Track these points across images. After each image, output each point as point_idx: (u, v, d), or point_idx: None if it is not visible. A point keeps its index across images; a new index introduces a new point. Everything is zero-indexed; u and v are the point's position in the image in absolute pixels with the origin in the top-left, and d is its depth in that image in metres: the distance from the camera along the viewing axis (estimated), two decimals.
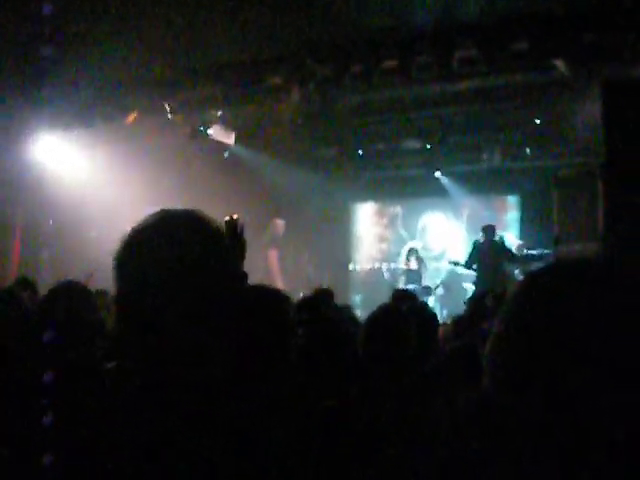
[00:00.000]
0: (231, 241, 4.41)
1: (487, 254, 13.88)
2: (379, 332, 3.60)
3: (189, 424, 1.65)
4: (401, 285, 15.98)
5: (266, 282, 13.15)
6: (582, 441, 1.16)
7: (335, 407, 3.18)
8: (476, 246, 14.34)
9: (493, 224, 14.74)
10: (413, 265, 16.13)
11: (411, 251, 16.54)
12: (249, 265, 4.34)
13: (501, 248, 14.19)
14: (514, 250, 15.55)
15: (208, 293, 1.68)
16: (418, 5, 10.41)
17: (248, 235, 4.47)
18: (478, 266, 14.09)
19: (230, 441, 1.70)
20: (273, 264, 15.81)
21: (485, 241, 14.17)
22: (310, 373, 3.71)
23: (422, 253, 17.01)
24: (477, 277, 14.13)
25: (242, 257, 4.37)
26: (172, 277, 1.65)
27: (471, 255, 14.41)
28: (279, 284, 14.96)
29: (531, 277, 1.35)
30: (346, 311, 7.73)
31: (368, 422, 3.07)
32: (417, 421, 3.08)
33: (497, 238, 14.59)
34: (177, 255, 1.67)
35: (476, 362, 5.08)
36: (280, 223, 16.32)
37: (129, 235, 1.74)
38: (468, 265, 14.46)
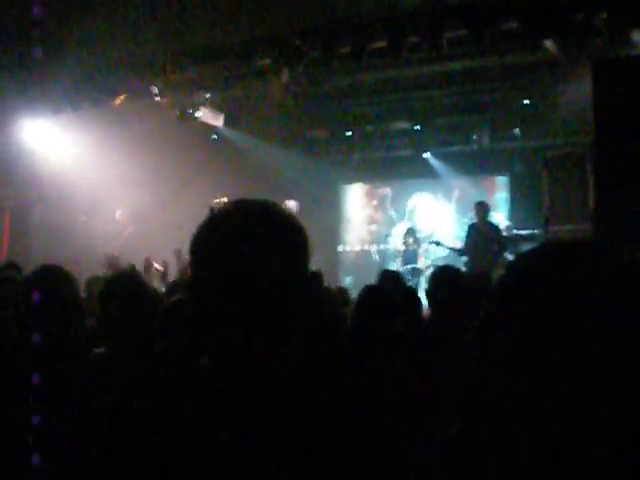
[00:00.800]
0: None
1: (481, 235, 13.74)
2: (366, 311, 3.59)
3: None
4: (395, 266, 15.98)
5: None
6: (579, 429, 1.15)
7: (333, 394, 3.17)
8: (472, 229, 14.15)
9: (485, 201, 14.55)
10: (410, 245, 16.09)
11: (409, 231, 16.47)
12: None
13: (495, 228, 14.04)
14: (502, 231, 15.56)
15: (281, 283, 1.67)
16: None
17: None
18: (471, 249, 13.89)
19: (233, 435, 1.70)
20: None
21: (479, 221, 13.99)
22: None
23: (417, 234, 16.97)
24: (469, 260, 13.99)
25: None
26: (249, 269, 1.64)
27: (467, 239, 14.21)
28: None
29: (520, 258, 1.35)
30: (340, 293, 7.74)
31: (367, 406, 3.06)
32: (413, 399, 3.08)
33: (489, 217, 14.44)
34: (255, 246, 1.66)
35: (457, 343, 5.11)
36: (292, 204, 16.21)
37: (207, 222, 1.74)
38: (463, 252, 14.26)
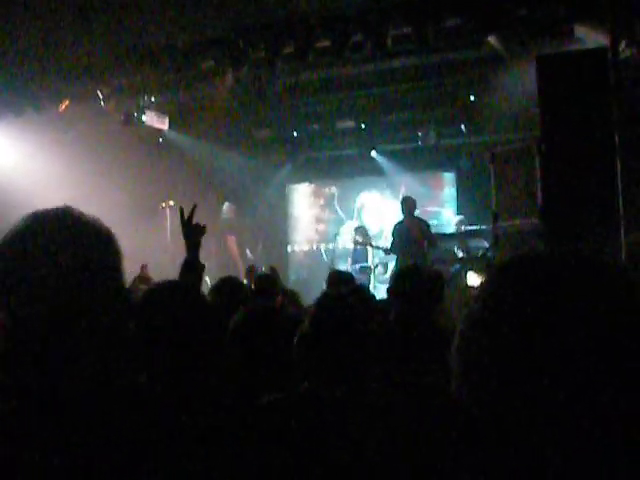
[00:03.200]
0: (183, 230, 4.39)
1: (409, 232, 13.76)
2: (325, 321, 3.52)
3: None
4: (346, 265, 15.99)
5: (226, 269, 13.00)
6: (582, 449, 1.12)
7: (278, 401, 3.13)
8: (398, 226, 14.17)
9: (410, 196, 14.64)
10: (360, 243, 16.10)
11: (358, 230, 16.48)
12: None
13: (424, 224, 14.05)
14: (453, 226, 15.59)
15: (80, 295, 1.65)
16: None
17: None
18: (399, 246, 13.87)
19: (160, 444, 1.67)
20: (232, 250, 15.68)
21: (407, 217, 14.00)
22: (250, 363, 3.65)
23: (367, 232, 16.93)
24: (397, 258, 13.95)
25: (196, 244, 4.34)
26: (42, 281, 1.61)
27: (394, 238, 14.22)
28: (240, 269, 14.87)
29: (499, 271, 1.31)
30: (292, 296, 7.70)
31: (315, 414, 3.02)
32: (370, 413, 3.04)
33: (417, 213, 14.46)
34: (47, 258, 1.63)
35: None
36: (230, 206, 16.16)
37: (3, 238, 1.69)
38: (393, 250, 14.26)
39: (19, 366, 1.63)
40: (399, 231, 13.96)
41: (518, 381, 1.15)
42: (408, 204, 14.05)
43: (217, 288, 5.51)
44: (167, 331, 2.72)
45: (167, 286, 3.05)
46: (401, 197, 15.23)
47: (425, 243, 13.51)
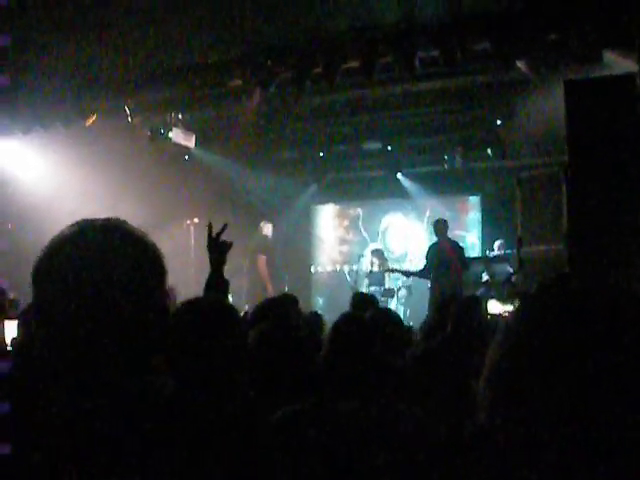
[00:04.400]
0: (208, 245, 4.38)
1: (443, 253, 13.68)
2: (342, 342, 3.52)
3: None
4: (363, 287, 15.93)
5: (257, 288, 12.97)
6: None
7: (294, 415, 3.13)
8: (433, 248, 14.10)
9: (443, 218, 14.56)
10: (376, 267, 16.07)
11: (374, 252, 16.48)
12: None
13: (457, 246, 14.00)
14: (495, 249, 15.52)
15: (124, 306, 1.64)
16: (380, 6, 10.38)
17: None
18: (434, 268, 13.80)
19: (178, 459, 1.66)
20: (262, 269, 15.63)
21: (442, 238, 13.93)
22: (268, 383, 3.65)
23: (384, 255, 16.89)
24: (432, 280, 13.88)
25: (221, 261, 4.32)
26: (89, 289, 1.61)
27: (429, 259, 14.11)
28: (269, 290, 14.82)
29: (532, 299, 1.29)
30: (314, 318, 7.67)
31: (329, 432, 3.00)
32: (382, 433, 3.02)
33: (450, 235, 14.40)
34: (94, 267, 1.63)
35: (439, 369, 5.08)
36: (267, 224, 16.12)
37: (48, 245, 1.69)
38: (425, 272, 14.13)
39: (49, 373, 1.64)
40: (435, 252, 13.85)
41: (554, 410, 1.13)
42: (442, 225, 13.97)
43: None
44: (197, 345, 2.75)
45: (198, 303, 3.09)
46: (428, 219, 15.26)
47: (458, 265, 13.44)
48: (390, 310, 7.59)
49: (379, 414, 3.13)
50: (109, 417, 1.60)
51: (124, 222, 1.77)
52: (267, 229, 16.02)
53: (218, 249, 4.34)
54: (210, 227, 4.42)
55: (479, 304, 5.97)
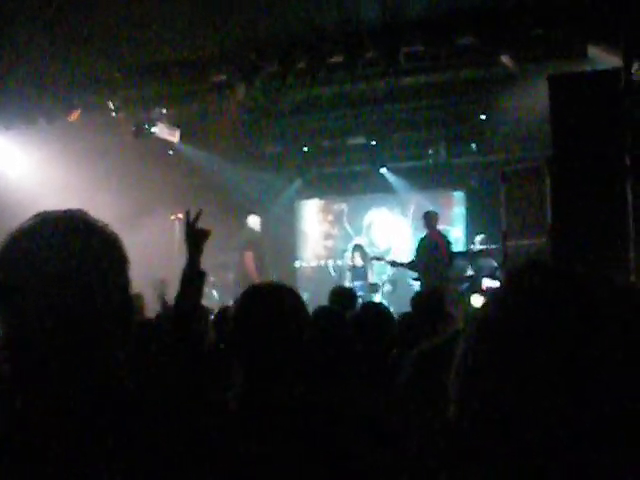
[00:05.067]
0: (185, 234, 4.33)
1: (433, 246, 13.63)
2: (318, 335, 3.53)
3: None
4: (347, 282, 15.92)
5: (245, 283, 12.95)
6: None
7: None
8: (422, 241, 14.05)
9: (433, 210, 14.47)
10: (358, 262, 16.05)
11: (356, 247, 16.45)
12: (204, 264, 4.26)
13: (447, 242, 13.96)
14: (477, 243, 15.52)
15: (82, 296, 1.64)
16: (364, 0, 10.37)
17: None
18: (423, 261, 13.75)
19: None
20: (248, 265, 15.57)
21: (431, 231, 13.87)
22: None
23: (368, 250, 16.87)
24: (420, 273, 13.85)
25: (197, 249, 4.27)
26: (46, 282, 1.61)
27: (419, 251, 14.05)
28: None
29: (499, 289, 1.30)
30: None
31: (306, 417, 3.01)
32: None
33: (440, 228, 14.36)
34: (52, 259, 1.62)
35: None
36: (253, 219, 16.02)
37: (7, 237, 1.69)
38: (414, 264, 14.03)
39: (18, 366, 1.63)
40: (424, 245, 13.80)
41: (519, 399, 1.13)
42: (433, 217, 13.89)
43: None
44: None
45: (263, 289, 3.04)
46: (413, 214, 15.24)
47: (445, 259, 13.41)
48: (381, 304, 7.55)
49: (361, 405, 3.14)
50: (65, 411, 1.61)
51: (84, 213, 1.77)
52: (254, 222, 15.95)
53: (194, 237, 4.29)
54: (187, 215, 4.37)
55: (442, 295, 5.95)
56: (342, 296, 7.54)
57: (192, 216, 4.36)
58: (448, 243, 13.87)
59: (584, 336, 1.12)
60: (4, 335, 1.63)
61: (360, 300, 9.80)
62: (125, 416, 1.67)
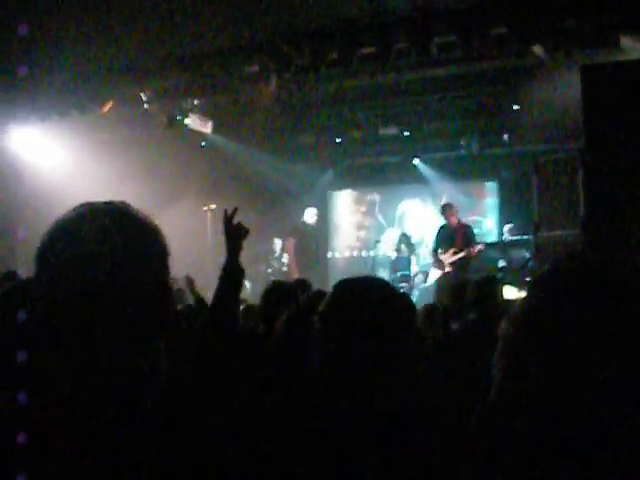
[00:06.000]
0: (225, 232, 4.36)
1: (452, 238, 13.68)
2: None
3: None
4: (387, 273, 15.91)
5: (281, 273, 12.83)
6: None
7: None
8: (440, 232, 14.22)
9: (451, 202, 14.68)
10: (404, 252, 16.01)
11: (402, 238, 16.39)
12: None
13: (470, 232, 13.97)
14: (505, 233, 15.48)
15: (124, 287, 1.66)
16: None
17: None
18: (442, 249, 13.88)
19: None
20: (289, 252, 15.67)
21: (454, 221, 13.99)
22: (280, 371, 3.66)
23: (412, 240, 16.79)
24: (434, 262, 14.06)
25: (237, 247, 4.30)
26: (92, 272, 1.63)
27: (437, 242, 14.23)
28: (294, 274, 14.72)
29: (541, 278, 1.32)
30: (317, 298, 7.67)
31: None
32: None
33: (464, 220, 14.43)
34: (95, 250, 1.64)
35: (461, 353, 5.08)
36: (308, 212, 16.07)
37: (50, 228, 1.71)
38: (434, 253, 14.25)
39: (47, 350, 1.66)
40: (443, 233, 13.97)
41: (559, 384, 1.15)
42: (447, 210, 13.99)
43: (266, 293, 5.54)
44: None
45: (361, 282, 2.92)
46: (444, 203, 15.17)
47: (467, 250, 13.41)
48: (404, 294, 7.53)
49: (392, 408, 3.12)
50: (103, 397, 1.63)
51: (126, 204, 1.79)
52: (308, 215, 16.03)
53: (234, 235, 4.31)
54: (225, 213, 4.41)
55: (497, 285, 5.95)
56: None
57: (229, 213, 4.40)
58: (472, 233, 13.88)
59: (622, 327, 1.14)
60: (44, 321, 1.66)
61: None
62: (155, 405, 1.69)
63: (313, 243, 15.87)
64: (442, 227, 14.21)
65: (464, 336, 5.32)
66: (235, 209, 4.44)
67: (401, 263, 15.98)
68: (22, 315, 1.89)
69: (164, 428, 1.68)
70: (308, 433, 2.33)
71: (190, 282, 8.45)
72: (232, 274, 4.17)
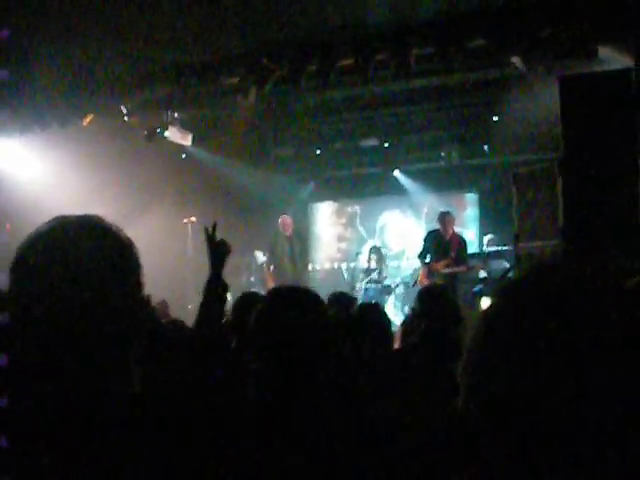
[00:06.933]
0: (208, 249, 4.39)
1: (444, 244, 13.57)
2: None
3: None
4: (359, 283, 15.92)
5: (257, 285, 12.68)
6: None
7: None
8: (433, 236, 13.96)
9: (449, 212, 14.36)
10: (373, 264, 16.04)
11: (372, 249, 16.45)
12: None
13: (464, 243, 13.93)
14: (485, 244, 15.50)
15: (97, 298, 1.67)
16: (374, 3, 10.38)
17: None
18: (431, 256, 13.75)
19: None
20: (265, 267, 15.67)
21: (448, 231, 13.81)
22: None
23: (383, 252, 16.82)
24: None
25: (220, 263, 4.32)
26: (62, 282, 1.65)
27: (426, 245, 13.95)
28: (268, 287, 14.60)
29: (508, 288, 1.31)
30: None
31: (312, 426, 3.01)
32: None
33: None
34: (68, 262, 1.66)
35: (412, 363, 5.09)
36: (280, 219, 15.91)
37: (25, 240, 1.74)
38: (422, 257, 13.97)
39: (22, 364, 1.66)
40: (436, 241, 13.75)
41: (525, 394, 1.15)
42: (452, 219, 13.84)
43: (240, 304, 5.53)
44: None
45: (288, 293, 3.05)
46: (426, 216, 15.25)
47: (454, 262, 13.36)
48: (377, 305, 7.52)
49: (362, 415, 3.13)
50: (74, 410, 1.62)
51: (99, 218, 1.82)
52: (279, 224, 15.87)
53: (218, 252, 4.34)
54: (206, 230, 4.43)
55: (442, 292, 5.92)
56: (338, 301, 7.53)
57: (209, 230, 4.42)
58: (465, 245, 13.86)
59: (589, 335, 1.13)
60: (18, 332, 1.66)
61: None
62: (126, 419, 1.68)
63: (285, 253, 15.68)
64: (434, 234, 13.92)
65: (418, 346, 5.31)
66: (214, 224, 4.46)
67: (371, 275, 15.95)
68: None
69: (136, 436, 1.67)
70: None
71: (165, 307, 8.51)
72: (216, 289, 4.20)
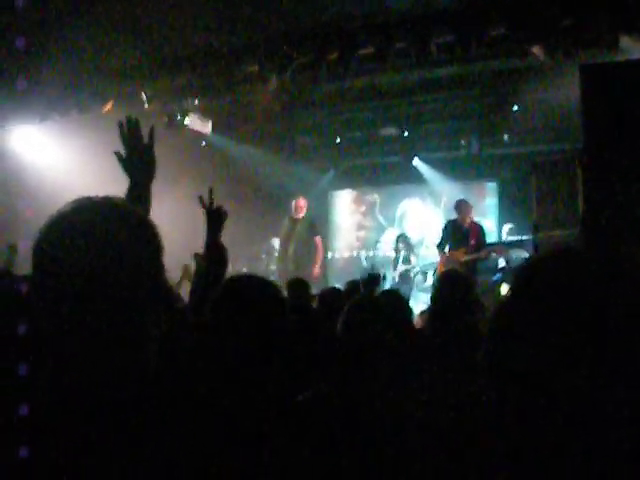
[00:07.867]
0: (205, 212, 4.44)
1: (461, 233, 13.41)
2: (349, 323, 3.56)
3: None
4: (390, 271, 15.87)
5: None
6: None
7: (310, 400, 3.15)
8: (452, 225, 13.77)
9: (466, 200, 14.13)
10: (403, 252, 15.98)
11: (399, 238, 16.36)
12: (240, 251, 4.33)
13: (482, 232, 13.76)
14: (504, 234, 15.46)
15: (118, 279, 1.68)
16: None
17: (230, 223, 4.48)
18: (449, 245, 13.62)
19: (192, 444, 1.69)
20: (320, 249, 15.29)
21: (466, 219, 13.60)
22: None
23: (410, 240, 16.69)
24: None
25: (216, 226, 4.37)
26: (84, 263, 1.65)
27: (444, 235, 13.81)
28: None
29: (520, 276, 1.33)
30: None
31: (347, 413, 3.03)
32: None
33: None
34: (89, 243, 1.66)
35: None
36: (297, 202, 15.51)
37: (47, 222, 1.74)
38: (441, 247, 13.79)
39: (39, 343, 1.67)
40: (455, 229, 13.59)
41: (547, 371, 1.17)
42: (469, 207, 13.65)
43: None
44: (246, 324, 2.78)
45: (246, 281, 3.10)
46: (445, 205, 15.15)
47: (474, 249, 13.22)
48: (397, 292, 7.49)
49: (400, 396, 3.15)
50: (98, 392, 1.64)
51: (122, 199, 1.83)
52: (293, 206, 15.58)
53: (216, 217, 4.40)
54: (201, 198, 4.51)
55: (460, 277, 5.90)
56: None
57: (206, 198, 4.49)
58: (484, 233, 13.72)
59: (605, 319, 1.15)
60: (40, 314, 1.67)
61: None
62: (148, 402, 1.70)
63: (288, 236, 15.24)
64: (452, 223, 13.77)
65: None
66: (210, 190, 4.54)
67: (400, 263, 15.96)
68: (19, 310, 1.90)
69: (156, 418, 1.69)
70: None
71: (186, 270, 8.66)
72: (215, 249, 4.25)
